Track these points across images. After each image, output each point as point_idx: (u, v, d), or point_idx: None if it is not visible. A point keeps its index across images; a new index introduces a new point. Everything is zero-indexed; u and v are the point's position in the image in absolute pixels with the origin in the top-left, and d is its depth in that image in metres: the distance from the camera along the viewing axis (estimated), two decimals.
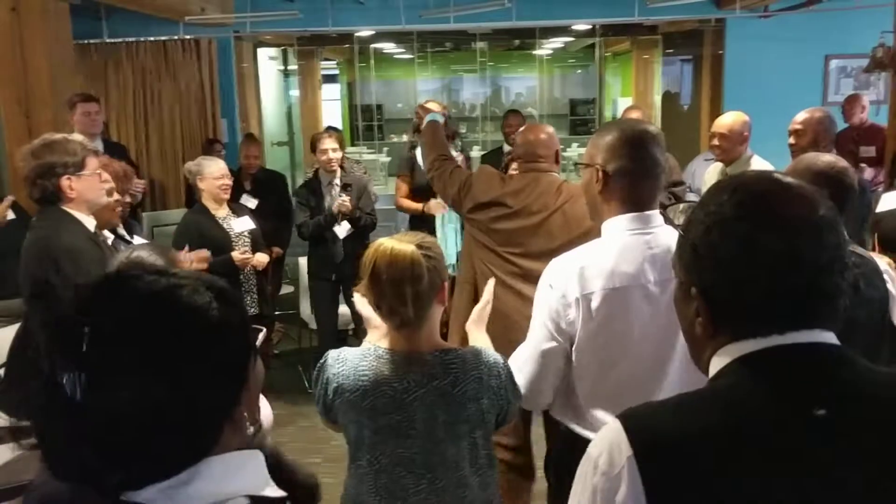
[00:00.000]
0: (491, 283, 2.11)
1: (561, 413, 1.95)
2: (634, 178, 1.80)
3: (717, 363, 1.00)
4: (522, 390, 1.92)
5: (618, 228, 1.82)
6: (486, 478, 1.90)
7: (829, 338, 0.97)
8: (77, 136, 2.71)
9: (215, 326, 0.85)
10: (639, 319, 1.77)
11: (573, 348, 1.82)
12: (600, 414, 1.82)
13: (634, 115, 4.50)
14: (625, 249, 1.79)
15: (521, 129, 3.29)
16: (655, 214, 1.83)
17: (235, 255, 4.05)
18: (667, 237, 1.81)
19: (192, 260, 3.37)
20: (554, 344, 1.83)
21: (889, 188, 3.81)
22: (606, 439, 0.98)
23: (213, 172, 4.12)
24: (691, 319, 1.02)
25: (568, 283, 1.79)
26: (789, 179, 1.02)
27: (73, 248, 2.50)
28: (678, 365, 1.78)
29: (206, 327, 0.84)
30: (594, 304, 1.77)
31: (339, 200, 4.57)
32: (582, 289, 1.77)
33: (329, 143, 4.69)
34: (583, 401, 1.86)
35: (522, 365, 1.92)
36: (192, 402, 0.81)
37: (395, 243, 1.81)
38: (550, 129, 3.05)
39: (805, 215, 0.96)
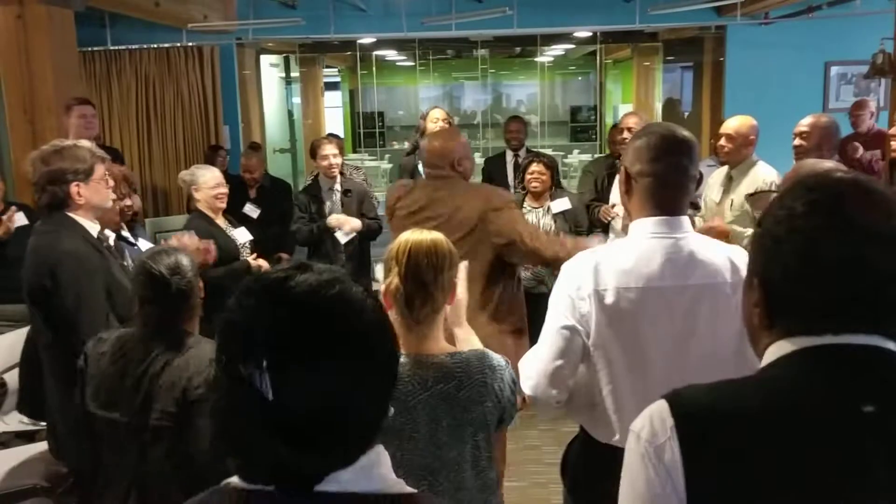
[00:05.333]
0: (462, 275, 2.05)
1: (576, 415, 1.95)
2: (656, 183, 1.79)
3: (770, 355, 1.00)
4: (533, 390, 1.90)
5: (641, 230, 1.82)
6: (485, 480, 1.90)
7: (889, 345, 0.95)
8: (85, 143, 2.71)
9: (377, 318, 0.91)
10: (652, 322, 1.77)
11: (590, 343, 1.82)
12: (617, 416, 1.82)
13: (633, 120, 4.49)
14: (644, 251, 1.78)
15: (427, 134, 3.32)
16: (683, 220, 1.82)
17: (252, 261, 3.96)
18: (693, 244, 1.80)
19: (199, 247, 3.24)
20: (571, 324, 1.81)
21: None
22: (648, 412, 1.00)
23: (208, 182, 3.95)
24: (751, 308, 1.03)
25: (583, 277, 1.79)
26: (873, 184, 0.98)
27: (74, 254, 2.49)
28: (692, 371, 1.73)
29: (370, 318, 0.89)
30: (607, 300, 1.76)
31: (341, 221, 4.59)
32: (596, 284, 1.77)
33: (329, 150, 4.70)
34: (600, 402, 1.85)
35: (535, 360, 1.90)
36: (369, 390, 0.88)
37: (427, 234, 1.86)
38: (449, 137, 3.09)
39: (878, 222, 0.93)
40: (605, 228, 4.51)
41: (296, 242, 4.81)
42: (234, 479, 0.89)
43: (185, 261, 2.07)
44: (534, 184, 4.46)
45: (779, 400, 0.94)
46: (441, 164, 2.96)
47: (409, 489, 0.93)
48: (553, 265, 2.87)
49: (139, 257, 2.19)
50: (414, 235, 1.86)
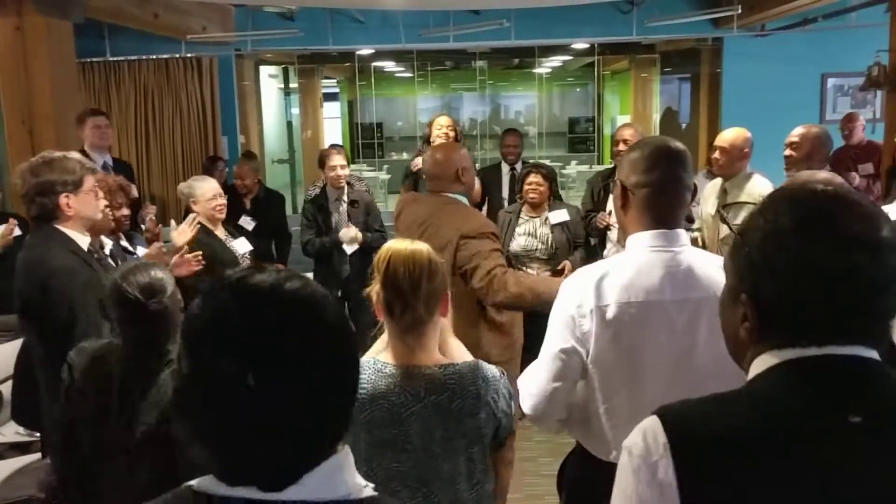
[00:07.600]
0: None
1: (575, 430, 1.92)
2: (651, 193, 1.79)
3: (756, 367, 1.01)
4: (532, 410, 1.88)
5: (639, 244, 1.80)
6: (481, 493, 1.89)
7: (871, 354, 0.97)
8: (74, 154, 2.70)
9: (345, 319, 0.93)
10: (653, 336, 1.75)
11: (588, 360, 1.80)
12: (614, 433, 1.80)
13: (628, 132, 4.49)
14: (644, 265, 1.77)
15: (429, 148, 3.39)
16: (680, 233, 1.81)
17: None
18: (691, 257, 1.79)
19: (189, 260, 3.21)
20: (570, 346, 1.80)
21: (885, 202, 3.83)
22: (640, 429, 1.00)
23: (206, 194, 3.98)
24: (736, 324, 1.03)
25: (584, 294, 1.78)
26: (853, 195, 1.00)
27: (64, 269, 2.48)
28: (691, 386, 1.74)
29: (339, 320, 0.91)
30: (608, 316, 1.75)
31: (351, 235, 4.60)
32: (597, 300, 1.76)
33: (338, 160, 4.72)
34: (596, 419, 1.83)
35: (534, 379, 1.88)
36: (340, 388, 0.89)
37: (409, 244, 1.86)
38: (451, 149, 3.12)
39: (865, 233, 0.94)
40: (602, 238, 4.52)
41: (306, 254, 4.82)
42: (196, 482, 0.89)
43: (160, 277, 1.98)
44: (531, 194, 4.52)
45: (767, 414, 0.96)
46: (444, 176, 2.94)
47: (371, 493, 0.92)
48: (520, 305, 2.71)
49: (111, 274, 2.09)
50: (396, 244, 1.87)
